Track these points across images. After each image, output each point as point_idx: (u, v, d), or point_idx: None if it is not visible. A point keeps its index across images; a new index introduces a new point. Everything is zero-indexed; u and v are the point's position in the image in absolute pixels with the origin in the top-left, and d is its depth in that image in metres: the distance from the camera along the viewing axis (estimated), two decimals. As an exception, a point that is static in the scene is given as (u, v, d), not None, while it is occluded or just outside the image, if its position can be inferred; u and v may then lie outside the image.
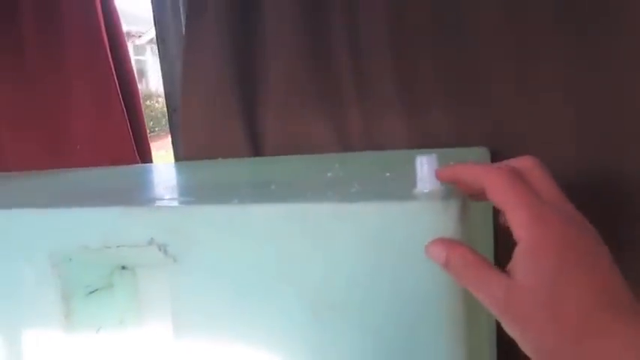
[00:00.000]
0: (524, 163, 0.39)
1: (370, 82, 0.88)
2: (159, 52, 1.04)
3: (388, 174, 0.57)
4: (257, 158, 0.95)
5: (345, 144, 0.91)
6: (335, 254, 0.45)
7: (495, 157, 0.78)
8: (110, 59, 1.05)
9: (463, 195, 0.42)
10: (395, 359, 0.45)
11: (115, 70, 1.06)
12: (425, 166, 0.44)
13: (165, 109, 1.11)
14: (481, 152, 0.78)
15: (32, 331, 0.59)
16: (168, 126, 1.10)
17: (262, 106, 0.95)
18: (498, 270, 0.36)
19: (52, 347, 0.58)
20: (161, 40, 1.03)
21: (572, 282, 0.34)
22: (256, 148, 0.97)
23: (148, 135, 1.16)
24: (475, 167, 0.39)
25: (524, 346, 0.35)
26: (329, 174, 0.61)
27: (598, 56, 0.75)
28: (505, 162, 0.40)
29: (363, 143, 0.90)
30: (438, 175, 0.42)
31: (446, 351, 0.44)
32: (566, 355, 0.33)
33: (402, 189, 0.46)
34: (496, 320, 0.37)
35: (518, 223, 0.36)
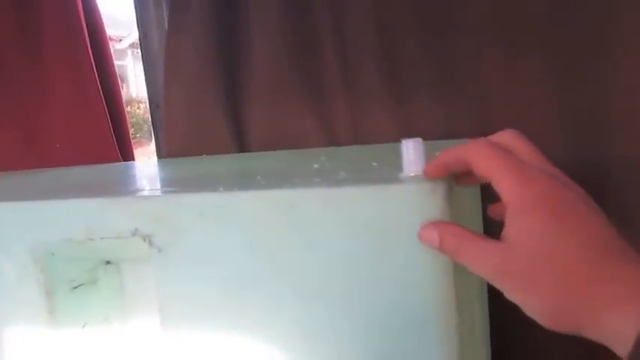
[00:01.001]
0: (505, 135, 0.40)
1: (356, 76, 0.88)
2: (141, 47, 1.03)
3: (375, 164, 0.57)
4: (242, 154, 0.95)
5: (331, 138, 0.91)
6: (323, 240, 0.45)
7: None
8: (91, 58, 1.04)
9: (449, 178, 0.42)
10: (385, 345, 0.45)
11: (97, 69, 1.05)
12: (411, 149, 0.43)
13: (146, 114, 1.10)
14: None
15: (15, 328, 0.58)
16: (149, 131, 1.09)
17: (247, 101, 0.95)
18: (492, 239, 0.37)
19: (36, 344, 0.57)
20: (143, 35, 1.02)
21: (567, 235, 0.34)
22: (241, 144, 0.96)
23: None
24: (456, 148, 0.40)
25: (528, 309, 0.35)
26: (315, 165, 0.61)
27: (587, 46, 0.75)
28: (486, 137, 0.40)
29: (349, 137, 0.90)
30: (428, 174, 0.42)
31: (437, 336, 0.43)
32: (571, 309, 0.33)
33: (389, 175, 0.46)
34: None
35: (504, 188, 0.36)
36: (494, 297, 0.73)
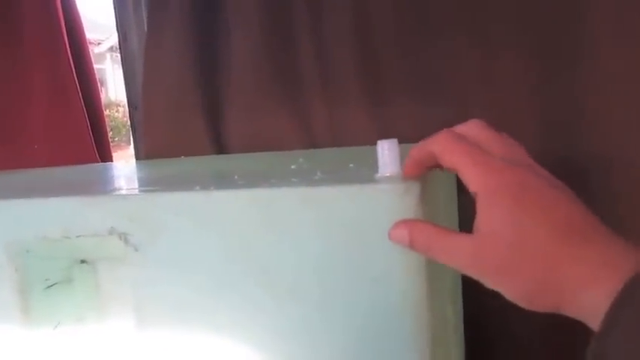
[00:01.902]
0: (471, 125, 0.40)
1: (334, 79, 0.89)
2: (120, 49, 1.03)
3: (352, 165, 0.58)
4: (221, 156, 0.95)
5: (309, 141, 0.91)
6: (299, 239, 0.45)
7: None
8: (70, 59, 1.03)
9: (423, 177, 0.43)
10: (358, 343, 0.45)
11: (76, 71, 1.05)
12: (386, 150, 0.44)
13: (125, 118, 1.09)
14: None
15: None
16: (128, 134, 1.09)
17: (226, 103, 0.95)
18: (463, 233, 0.37)
19: (9, 343, 0.57)
20: (123, 37, 1.02)
21: (535, 220, 0.35)
22: (220, 145, 0.96)
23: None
24: (424, 143, 0.40)
25: (507, 294, 0.36)
26: (293, 166, 0.61)
27: (561, 46, 0.77)
28: (452, 128, 0.41)
29: (328, 139, 0.90)
30: (406, 175, 0.43)
31: (410, 333, 0.44)
32: (546, 290, 0.34)
33: (365, 175, 0.47)
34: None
35: (470, 179, 0.37)
36: (469, 293, 0.74)
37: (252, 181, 0.52)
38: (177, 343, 0.50)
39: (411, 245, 0.39)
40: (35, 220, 0.53)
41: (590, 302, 0.33)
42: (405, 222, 0.40)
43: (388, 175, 0.44)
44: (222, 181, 0.55)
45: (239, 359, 0.48)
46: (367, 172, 0.47)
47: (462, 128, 0.40)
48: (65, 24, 1.02)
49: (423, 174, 0.43)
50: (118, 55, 1.05)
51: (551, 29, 0.78)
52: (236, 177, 0.56)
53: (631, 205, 0.77)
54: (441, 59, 0.83)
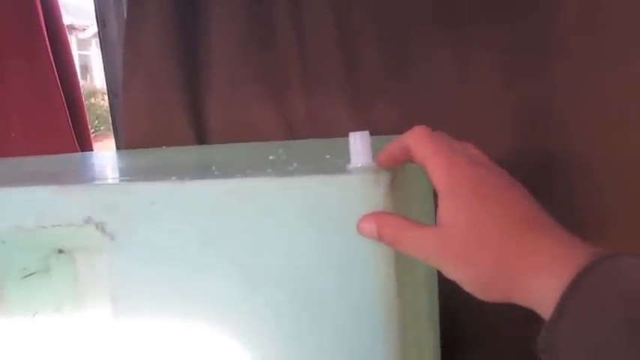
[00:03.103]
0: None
1: (315, 71, 0.90)
2: (99, 36, 1.02)
3: (328, 156, 0.59)
4: (201, 146, 0.95)
5: (290, 132, 0.92)
6: (272, 228, 0.46)
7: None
8: (48, 46, 1.02)
9: (395, 168, 0.44)
10: (331, 330, 0.46)
11: (54, 58, 1.04)
12: (358, 141, 0.45)
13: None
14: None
15: (-37, 317, 0.57)
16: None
17: (206, 93, 0.95)
18: (427, 225, 0.39)
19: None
20: (102, 23, 1.01)
21: (490, 212, 0.37)
22: (201, 136, 0.96)
23: (91, 131, 1.14)
24: (400, 138, 0.42)
25: (464, 284, 0.37)
26: (271, 157, 0.62)
27: (534, 43, 0.79)
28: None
29: (308, 131, 0.91)
30: (381, 164, 0.44)
31: (379, 320, 0.45)
32: (499, 280, 0.36)
33: (338, 166, 0.47)
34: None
35: (434, 173, 0.39)
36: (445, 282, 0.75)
37: (228, 171, 0.53)
38: (154, 331, 0.51)
39: (380, 238, 0.41)
40: (10, 211, 0.53)
41: (539, 292, 0.34)
42: (372, 215, 0.42)
43: (360, 165, 0.45)
44: (199, 172, 0.55)
45: (215, 347, 0.49)
46: (341, 163, 0.48)
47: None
48: (42, 9, 1.01)
49: (396, 166, 0.44)
50: None
51: (524, 26, 0.79)
52: (213, 168, 0.56)
53: (600, 200, 0.79)
54: (418, 55, 0.85)
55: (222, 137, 0.95)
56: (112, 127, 1.05)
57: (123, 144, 1.02)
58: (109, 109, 1.06)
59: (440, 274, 0.39)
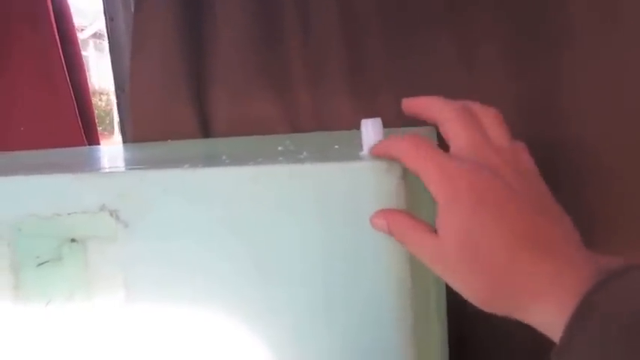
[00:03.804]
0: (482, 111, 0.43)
1: (320, 65, 0.90)
2: (107, 30, 1.03)
3: (337, 146, 0.59)
4: (208, 139, 0.96)
5: (295, 125, 0.93)
6: (285, 215, 0.46)
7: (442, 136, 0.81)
8: (58, 41, 1.03)
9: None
10: (341, 320, 0.47)
11: (63, 53, 1.04)
12: (370, 128, 0.46)
13: (109, 107, 1.09)
14: (428, 131, 0.81)
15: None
16: (111, 123, 1.08)
17: (212, 87, 0.96)
18: (431, 230, 0.38)
19: (1, 319, 0.57)
20: (110, 18, 1.02)
21: (489, 226, 0.35)
22: (206, 130, 0.97)
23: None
24: (388, 144, 0.42)
25: (464, 295, 0.37)
26: (280, 148, 0.62)
27: (539, 35, 0.79)
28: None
29: (312, 124, 0.92)
30: (373, 153, 0.44)
31: (391, 311, 0.46)
32: (499, 295, 0.35)
33: (349, 154, 0.48)
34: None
35: (430, 184, 0.38)
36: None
37: (239, 160, 0.53)
38: (166, 319, 0.52)
39: (390, 234, 0.41)
40: (26, 199, 0.54)
41: (541, 315, 0.34)
42: (383, 212, 0.42)
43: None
44: (211, 160, 0.56)
45: (227, 336, 0.50)
46: (351, 152, 0.48)
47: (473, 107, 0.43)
48: (53, 7, 1.02)
49: None
50: (102, 42, 1.05)
51: (531, 16, 0.79)
52: (224, 157, 0.57)
53: (607, 192, 0.79)
54: (423, 46, 0.85)
55: (227, 131, 0.96)
56: (115, 125, 1.06)
57: (129, 138, 1.02)
58: (108, 109, 1.07)
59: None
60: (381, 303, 0.46)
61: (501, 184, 0.37)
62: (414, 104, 0.45)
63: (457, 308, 0.78)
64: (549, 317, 0.33)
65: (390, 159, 0.42)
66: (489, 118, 0.42)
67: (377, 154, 0.43)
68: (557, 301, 0.33)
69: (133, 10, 0.98)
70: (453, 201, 0.36)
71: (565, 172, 0.79)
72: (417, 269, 0.48)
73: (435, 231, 0.38)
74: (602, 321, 0.30)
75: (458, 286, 0.37)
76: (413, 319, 0.46)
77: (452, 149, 0.40)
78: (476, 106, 0.43)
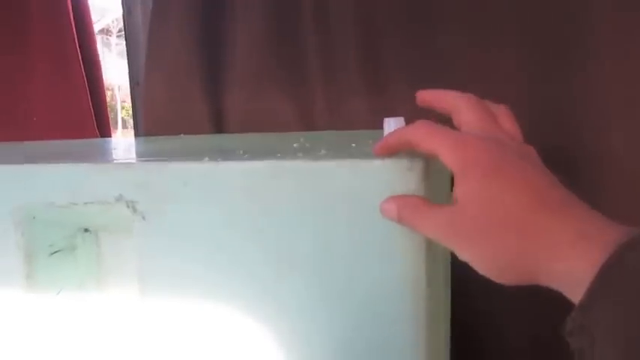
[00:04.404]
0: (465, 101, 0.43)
1: (337, 64, 0.90)
2: (124, 24, 1.03)
3: (354, 145, 0.59)
4: (221, 134, 0.96)
5: (308, 123, 0.93)
6: (304, 212, 0.46)
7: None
8: (75, 34, 1.03)
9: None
10: (357, 315, 0.47)
11: (79, 45, 1.05)
12: (392, 127, 0.46)
13: (114, 101, 1.10)
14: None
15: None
16: (115, 119, 1.09)
17: (227, 84, 0.96)
18: (444, 205, 0.39)
19: (12, 307, 0.57)
20: (127, 12, 1.02)
21: (505, 190, 0.36)
22: (219, 126, 0.97)
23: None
24: (399, 131, 0.43)
25: (479, 266, 0.37)
26: (295, 145, 0.62)
27: (558, 45, 0.79)
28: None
29: (326, 123, 0.92)
30: (375, 153, 0.44)
31: (407, 308, 0.45)
32: (519, 260, 0.35)
33: (369, 153, 0.48)
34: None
35: (447, 156, 0.38)
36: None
37: (257, 155, 0.53)
38: (180, 314, 0.51)
39: (399, 219, 0.41)
40: (43, 187, 0.53)
41: (567, 272, 0.33)
42: (393, 197, 0.42)
43: (393, 152, 0.45)
44: (229, 154, 0.56)
45: (241, 331, 0.49)
46: (371, 150, 0.48)
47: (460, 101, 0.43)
48: (71, 0, 1.02)
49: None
50: (109, 37, 1.05)
51: (550, 26, 0.79)
52: (241, 152, 0.57)
53: (627, 202, 0.78)
54: (440, 51, 0.85)
55: (239, 127, 0.96)
56: (132, 115, 1.06)
57: (142, 131, 1.03)
58: (112, 104, 1.07)
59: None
60: (398, 298, 0.45)
61: (510, 151, 0.38)
62: (429, 95, 0.46)
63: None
64: (574, 274, 0.33)
65: (404, 147, 0.42)
66: (501, 112, 0.43)
67: (391, 143, 0.43)
68: (584, 256, 0.32)
69: (150, 4, 0.98)
70: (471, 167, 0.37)
71: (585, 182, 0.79)
72: (432, 266, 0.48)
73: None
74: (631, 276, 0.30)
75: (473, 258, 0.37)
76: (426, 318, 0.46)
77: (440, 154, 0.40)
78: (488, 102, 0.44)
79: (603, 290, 0.31)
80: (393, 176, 0.43)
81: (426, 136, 0.40)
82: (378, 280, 0.45)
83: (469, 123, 0.42)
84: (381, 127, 0.47)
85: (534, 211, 0.35)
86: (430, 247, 0.45)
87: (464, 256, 0.37)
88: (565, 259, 0.33)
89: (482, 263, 0.37)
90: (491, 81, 0.82)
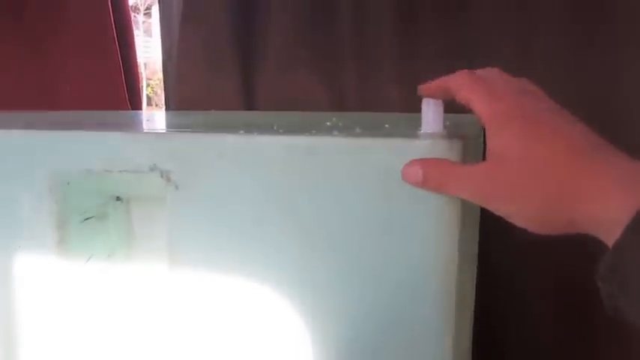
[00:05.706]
0: (487, 70, 0.44)
1: (370, 48, 0.89)
2: (159, -1, 1.03)
3: (387, 125, 0.58)
4: (252, 112, 0.96)
5: (339, 104, 0.92)
6: (338, 189, 0.46)
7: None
8: (110, 5, 1.03)
9: (466, 136, 0.44)
10: (388, 295, 0.47)
11: (114, 18, 1.05)
12: (431, 108, 0.45)
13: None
14: (474, 119, 0.79)
15: (23, 256, 0.59)
16: (142, 94, 1.09)
17: (259, 59, 0.95)
18: (475, 163, 0.39)
19: (43, 273, 0.58)
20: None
21: (545, 139, 0.36)
22: (249, 102, 0.97)
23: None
24: (441, 80, 0.44)
25: (517, 218, 0.37)
26: (328, 123, 0.62)
27: (600, 29, 0.77)
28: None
29: (357, 105, 0.91)
30: (422, 91, 0.45)
31: (440, 287, 0.45)
32: (559, 207, 0.35)
33: (406, 132, 0.47)
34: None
35: (481, 107, 0.38)
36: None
37: (292, 130, 0.53)
38: (208, 287, 0.52)
39: (424, 182, 0.41)
40: (79, 154, 0.54)
41: (605, 215, 0.33)
42: (418, 160, 0.42)
43: (430, 132, 0.45)
44: (264, 129, 0.56)
45: (269, 303, 0.50)
46: (406, 131, 0.48)
47: (479, 72, 0.43)
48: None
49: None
50: (136, 15, 1.05)
51: (590, 14, 0.77)
52: (275, 127, 0.56)
53: None
54: (476, 38, 0.83)
55: (270, 104, 0.96)
56: (163, 89, 1.06)
57: (173, 105, 1.03)
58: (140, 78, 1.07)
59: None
60: (429, 279, 0.45)
61: (545, 105, 0.39)
62: (427, 88, 0.46)
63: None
64: (615, 216, 0.32)
65: (443, 93, 0.43)
66: (494, 73, 0.43)
67: (433, 86, 0.44)
68: (626, 197, 0.32)
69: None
70: (504, 120, 0.37)
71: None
72: (464, 247, 0.47)
73: None
74: None
75: (515, 212, 0.37)
76: (456, 299, 0.46)
77: (474, 103, 0.40)
78: (478, 71, 0.44)
79: (638, 232, 0.31)
80: (433, 155, 0.43)
81: (464, 86, 0.40)
82: (412, 258, 0.45)
83: (476, 94, 0.41)
84: (414, 112, 0.46)
85: (573, 156, 0.35)
86: (464, 226, 0.44)
87: (504, 211, 0.37)
88: (604, 201, 0.33)
89: (524, 216, 0.37)
90: (526, 69, 0.80)
